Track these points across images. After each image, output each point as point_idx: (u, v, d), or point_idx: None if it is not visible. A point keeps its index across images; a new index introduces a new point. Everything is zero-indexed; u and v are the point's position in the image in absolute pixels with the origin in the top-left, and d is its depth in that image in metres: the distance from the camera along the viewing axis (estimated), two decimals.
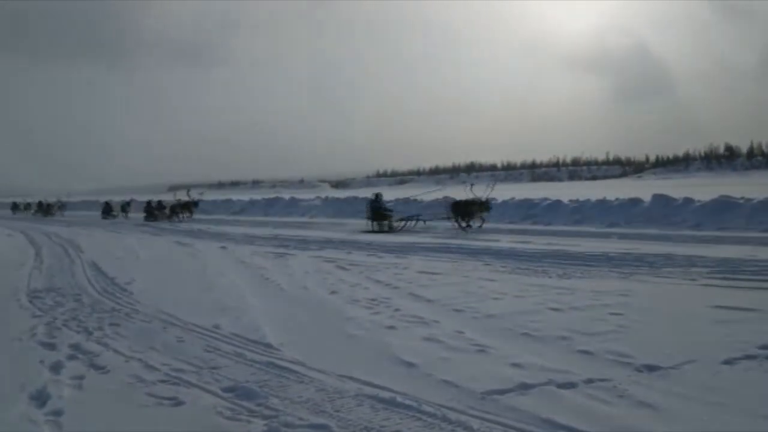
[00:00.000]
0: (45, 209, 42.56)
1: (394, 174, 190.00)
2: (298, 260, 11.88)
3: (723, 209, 17.49)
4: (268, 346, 5.44)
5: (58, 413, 3.97)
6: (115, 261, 12.31)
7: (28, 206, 49.76)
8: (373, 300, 7.48)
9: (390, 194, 27.22)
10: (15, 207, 51.75)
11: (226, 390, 4.34)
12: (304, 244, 15.34)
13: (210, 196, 42.90)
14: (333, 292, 8.12)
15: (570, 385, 4.21)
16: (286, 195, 39.28)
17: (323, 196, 38.54)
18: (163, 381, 4.57)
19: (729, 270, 8.93)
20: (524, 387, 4.20)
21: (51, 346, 5.62)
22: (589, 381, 4.29)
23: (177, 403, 4.12)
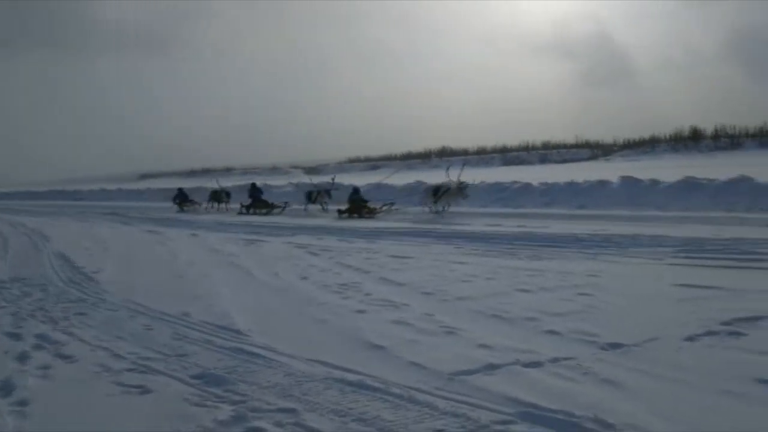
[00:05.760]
0: (314, 197, 24.71)
1: (367, 159, 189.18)
2: (269, 246, 11.84)
3: (688, 190, 17.89)
4: (238, 332, 5.41)
5: (23, 403, 3.91)
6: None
7: (218, 195, 28.44)
8: (343, 285, 7.48)
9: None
10: (183, 199, 29.55)
11: (194, 377, 4.31)
12: (276, 230, 15.27)
13: (188, 183, 41.59)
14: (304, 278, 8.11)
15: (536, 365, 4.27)
16: (259, 181, 38.90)
17: (296, 182, 38.27)
18: (130, 369, 4.53)
19: (694, 249, 9.12)
20: (491, 367, 4.25)
21: (16, 337, 5.54)
22: (555, 360, 4.36)
23: (144, 391, 4.08)
